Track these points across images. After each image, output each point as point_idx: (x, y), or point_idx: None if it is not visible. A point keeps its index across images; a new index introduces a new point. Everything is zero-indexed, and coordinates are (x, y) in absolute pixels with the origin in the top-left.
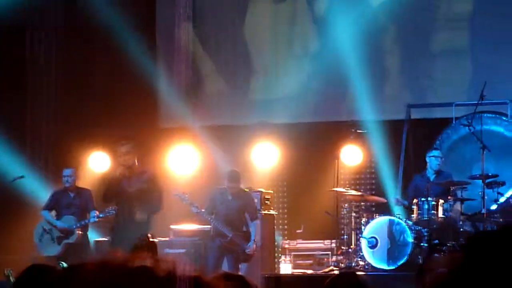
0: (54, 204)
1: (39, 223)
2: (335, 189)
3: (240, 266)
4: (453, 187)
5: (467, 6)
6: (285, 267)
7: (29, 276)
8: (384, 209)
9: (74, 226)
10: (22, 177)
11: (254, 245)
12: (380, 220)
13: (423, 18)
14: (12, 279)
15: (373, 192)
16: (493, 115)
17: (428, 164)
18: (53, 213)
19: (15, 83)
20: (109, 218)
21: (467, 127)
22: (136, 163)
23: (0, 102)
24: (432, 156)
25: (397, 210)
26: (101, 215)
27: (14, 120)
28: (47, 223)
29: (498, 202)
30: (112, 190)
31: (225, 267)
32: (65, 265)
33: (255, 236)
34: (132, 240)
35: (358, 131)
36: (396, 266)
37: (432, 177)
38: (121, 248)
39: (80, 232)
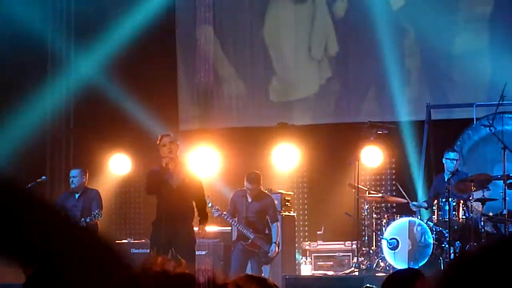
0: (60, 205)
1: None
2: (356, 185)
3: (262, 268)
4: (474, 187)
5: (487, 7)
6: (306, 269)
7: (38, 279)
8: (405, 210)
9: None
10: (43, 179)
11: (276, 248)
12: (401, 221)
13: (443, 19)
14: None
15: (394, 193)
16: None
17: (445, 165)
18: None
19: (35, 83)
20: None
21: (488, 128)
22: (178, 156)
23: (20, 104)
24: (448, 158)
25: (420, 211)
26: (87, 220)
27: (34, 121)
28: None
29: None
30: (155, 182)
31: (248, 271)
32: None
33: (277, 238)
34: (174, 239)
35: (379, 132)
36: (417, 267)
37: (447, 177)
38: (162, 247)
39: None
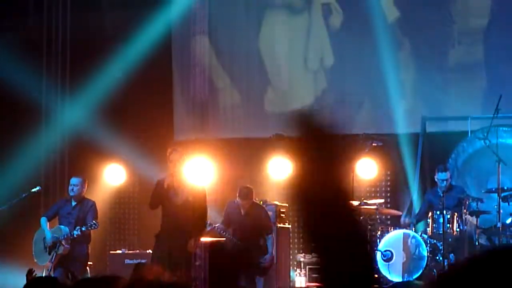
0: (55, 211)
1: (37, 231)
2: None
3: (256, 280)
4: (467, 201)
5: (482, 20)
6: (300, 280)
7: None
8: (399, 222)
9: (61, 238)
10: (38, 189)
11: (270, 258)
12: (395, 233)
13: (439, 32)
14: None
15: (388, 205)
16: (509, 129)
17: (437, 183)
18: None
19: (31, 94)
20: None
21: (482, 141)
22: (185, 172)
23: (15, 115)
24: (439, 178)
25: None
26: (83, 228)
27: (29, 133)
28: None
29: None
30: (159, 198)
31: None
32: None
33: (273, 250)
34: (174, 252)
35: (373, 144)
36: (411, 279)
37: (441, 192)
38: (162, 259)
39: (67, 244)
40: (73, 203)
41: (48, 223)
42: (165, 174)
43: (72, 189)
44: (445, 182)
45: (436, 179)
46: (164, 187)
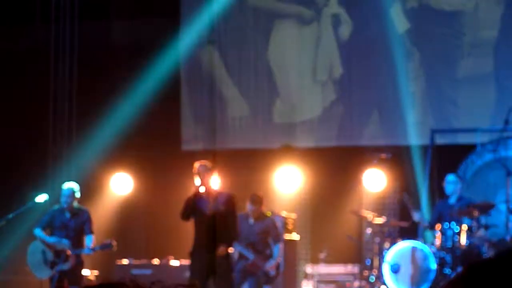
0: (49, 222)
1: (33, 242)
2: (358, 212)
3: None
4: (476, 213)
5: (492, 32)
6: None
7: None
8: (408, 234)
9: (70, 253)
10: (45, 199)
11: (275, 263)
12: (404, 246)
13: (448, 44)
14: None
15: (396, 217)
16: None
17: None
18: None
19: (37, 99)
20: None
21: (492, 153)
22: (212, 184)
23: (22, 122)
24: (446, 182)
25: (424, 234)
26: (97, 248)
27: (35, 140)
28: (41, 242)
29: None
30: (190, 209)
31: None
32: None
33: (278, 258)
34: (213, 262)
35: (382, 156)
36: None
37: (451, 203)
38: (199, 272)
39: (74, 259)
40: (67, 215)
41: (44, 234)
42: (194, 189)
43: (66, 201)
44: (451, 185)
45: (444, 186)
46: (194, 199)
